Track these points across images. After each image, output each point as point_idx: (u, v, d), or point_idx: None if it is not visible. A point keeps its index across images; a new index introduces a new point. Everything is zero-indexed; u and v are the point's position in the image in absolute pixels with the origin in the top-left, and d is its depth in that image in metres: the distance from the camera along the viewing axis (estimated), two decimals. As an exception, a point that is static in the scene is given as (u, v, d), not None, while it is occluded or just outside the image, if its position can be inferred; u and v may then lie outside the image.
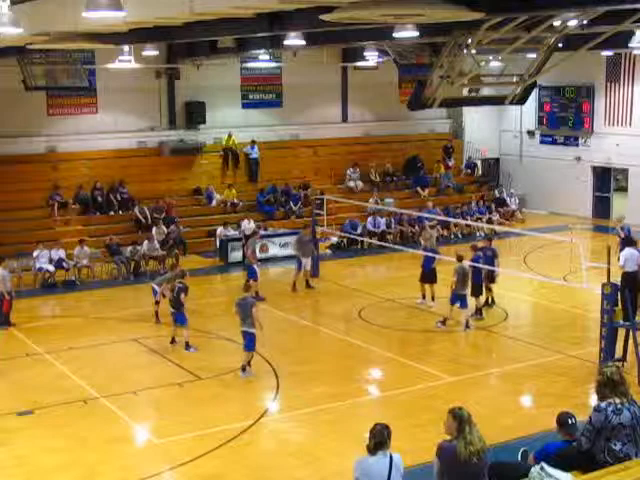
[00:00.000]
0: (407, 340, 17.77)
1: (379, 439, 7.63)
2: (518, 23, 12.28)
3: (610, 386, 7.61)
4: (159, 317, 18.68)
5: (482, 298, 19.13)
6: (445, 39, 13.98)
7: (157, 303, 18.65)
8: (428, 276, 19.92)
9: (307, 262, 21.94)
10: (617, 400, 7.54)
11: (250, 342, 15.20)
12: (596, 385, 7.98)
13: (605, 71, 30.47)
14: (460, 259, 18.14)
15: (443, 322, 18.18)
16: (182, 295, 16.81)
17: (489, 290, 19.37)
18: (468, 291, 18.05)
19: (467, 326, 18.00)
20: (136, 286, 22.65)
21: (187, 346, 16.86)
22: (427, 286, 19.98)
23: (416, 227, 27.30)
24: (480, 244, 19.74)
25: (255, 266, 20.96)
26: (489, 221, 29.38)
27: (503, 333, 18.14)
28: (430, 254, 20.22)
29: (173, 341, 17.14)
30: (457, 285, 17.78)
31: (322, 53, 27.79)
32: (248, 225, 25.90)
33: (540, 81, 22.16)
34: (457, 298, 17.89)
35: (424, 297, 20.05)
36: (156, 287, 18.59)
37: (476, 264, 18.56)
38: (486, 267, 18.75)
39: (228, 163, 29.48)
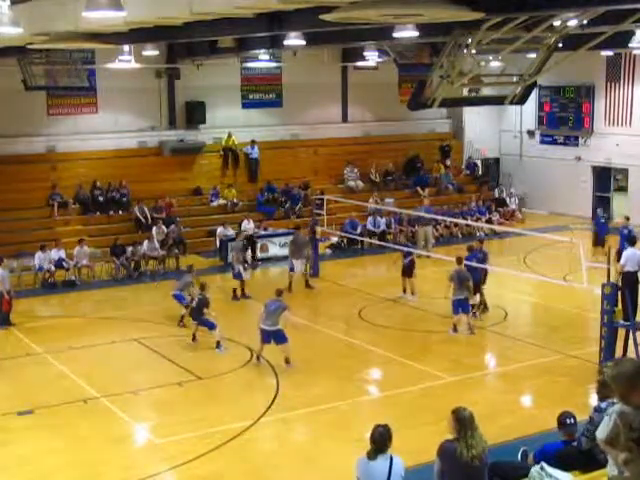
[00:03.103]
0: (407, 340, 17.76)
1: (379, 442, 7.64)
2: (518, 23, 12.28)
3: None
4: (184, 321, 18.38)
5: (477, 297, 19.03)
6: (445, 39, 13.99)
7: (187, 307, 18.13)
8: (404, 270, 20.46)
9: (298, 264, 21.79)
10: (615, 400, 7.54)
11: (282, 337, 15.40)
12: (597, 385, 7.98)
13: (605, 71, 30.46)
14: (459, 262, 17.95)
15: (454, 329, 17.79)
16: (204, 309, 16.87)
17: (480, 293, 19.02)
18: (468, 295, 17.73)
19: (471, 331, 17.67)
20: (136, 286, 22.66)
21: (218, 345, 16.86)
22: (405, 279, 20.51)
23: (416, 227, 27.30)
24: (475, 245, 19.70)
25: (238, 266, 21.08)
26: (489, 221, 29.40)
27: (503, 333, 18.13)
28: (405, 249, 20.92)
29: (194, 338, 17.15)
30: (454, 290, 17.51)
31: (322, 53, 27.83)
32: (248, 225, 25.93)
33: (540, 81, 22.19)
34: (458, 304, 17.59)
35: (405, 291, 20.56)
36: (180, 293, 18.42)
37: (469, 263, 18.53)
38: (480, 266, 18.70)
39: (228, 163, 29.50)
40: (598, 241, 23.16)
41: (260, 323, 15.53)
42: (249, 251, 23.96)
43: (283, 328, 15.48)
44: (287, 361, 15.57)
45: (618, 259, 18.48)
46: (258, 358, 15.84)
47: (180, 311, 18.38)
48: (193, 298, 17.60)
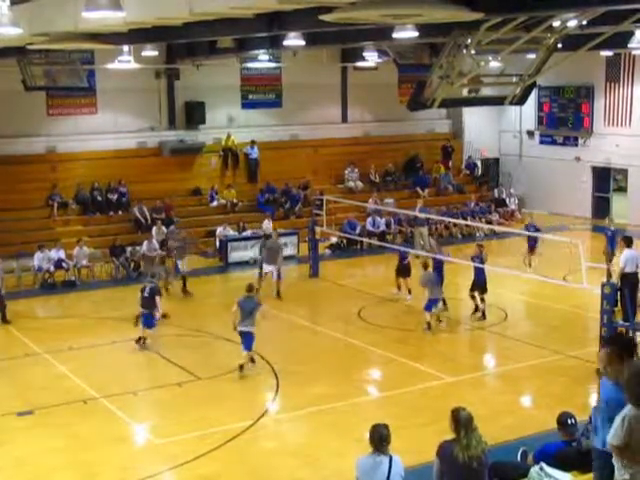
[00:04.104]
0: (407, 340, 17.76)
1: (378, 441, 7.64)
2: (518, 23, 12.29)
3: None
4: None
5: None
6: (445, 39, 13.99)
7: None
8: (401, 270, 20.62)
9: (271, 270, 21.11)
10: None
11: (251, 341, 15.24)
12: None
13: (605, 71, 30.48)
14: (425, 267, 18.39)
15: (429, 326, 17.96)
16: (157, 297, 16.81)
17: (482, 301, 18.91)
18: (441, 296, 18.35)
19: (429, 327, 17.87)
20: (135, 286, 22.55)
21: (140, 340, 16.86)
22: (401, 279, 20.67)
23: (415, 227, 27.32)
24: (475, 249, 19.66)
25: (179, 261, 21.85)
26: (488, 221, 29.39)
27: (503, 333, 18.15)
28: (403, 249, 21.28)
29: (139, 340, 16.98)
30: (429, 293, 17.99)
31: (322, 53, 27.81)
32: (268, 225, 26.01)
33: (540, 81, 22.17)
34: (431, 303, 18.02)
35: (399, 288, 20.75)
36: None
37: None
38: (479, 265, 18.81)
39: (228, 163, 29.51)
40: (530, 247, 23.17)
41: (238, 326, 15.21)
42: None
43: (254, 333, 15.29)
44: (241, 367, 15.26)
45: (608, 260, 18.89)
46: (252, 360, 15.60)
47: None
48: (144, 287, 17.32)
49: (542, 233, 22.82)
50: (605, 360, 6.52)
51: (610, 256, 19.92)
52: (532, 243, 23.06)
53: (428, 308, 18.01)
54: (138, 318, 17.81)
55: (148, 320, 16.85)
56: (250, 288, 15.58)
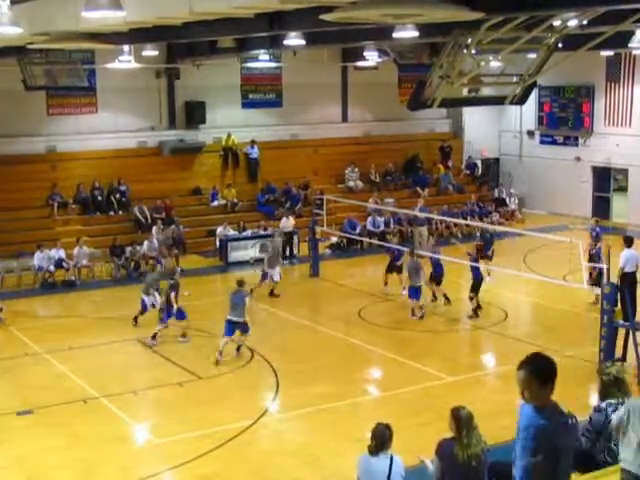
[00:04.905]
0: (407, 340, 17.77)
1: (380, 440, 7.65)
2: (518, 23, 12.28)
3: (618, 385, 7.65)
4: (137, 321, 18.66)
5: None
6: (445, 39, 13.99)
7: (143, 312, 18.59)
8: (393, 269, 21.07)
9: (274, 273, 21.02)
10: (618, 400, 7.56)
11: (246, 328, 16.01)
12: (601, 385, 7.95)
13: (605, 71, 30.47)
14: (412, 254, 19.23)
15: (413, 313, 18.80)
16: (172, 293, 17.05)
17: (471, 299, 19.03)
18: (422, 283, 19.05)
19: (413, 314, 18.74)
20: (136, 286, 22.58)
21: (152, 338, 17.25)
22: (394, 275, 21.07)
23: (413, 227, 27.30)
24: (473, 248, 20.07)
25: (162, 259, 22.75)
26: (490, 222, 29.38)
27: (503, 333, 18.15)
28: (400, 248, 21.56)
29: (154, 337, 17.25)
30: (410, 279, 18.85)
31: (322, 53, 27.80)
32: (287, 223, 26.08)
33: (540, 81, 22.16)
34: (414, 292, 18.79)
35: (386, 284, 21.16)
36: (145, 297, 18.53)
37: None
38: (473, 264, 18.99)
39: (228, 163, 29.51)
40: (485, 252, 23.05)
41: (228, 315, 16.00)
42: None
43: (248, 320, 16.01)
44: (238, 349, 16.15)
45: (590, 259, 19.02)
46: (220, 354, 15.89)
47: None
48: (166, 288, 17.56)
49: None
50: (523, 384, 5.73)
51: (595, 256, 19.79)
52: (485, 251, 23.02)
53: (411, 296, 18.80)
54: (137, 318, 18.27)
55: (179, 314, 17.30)
56: (240, 283, 16.37)
